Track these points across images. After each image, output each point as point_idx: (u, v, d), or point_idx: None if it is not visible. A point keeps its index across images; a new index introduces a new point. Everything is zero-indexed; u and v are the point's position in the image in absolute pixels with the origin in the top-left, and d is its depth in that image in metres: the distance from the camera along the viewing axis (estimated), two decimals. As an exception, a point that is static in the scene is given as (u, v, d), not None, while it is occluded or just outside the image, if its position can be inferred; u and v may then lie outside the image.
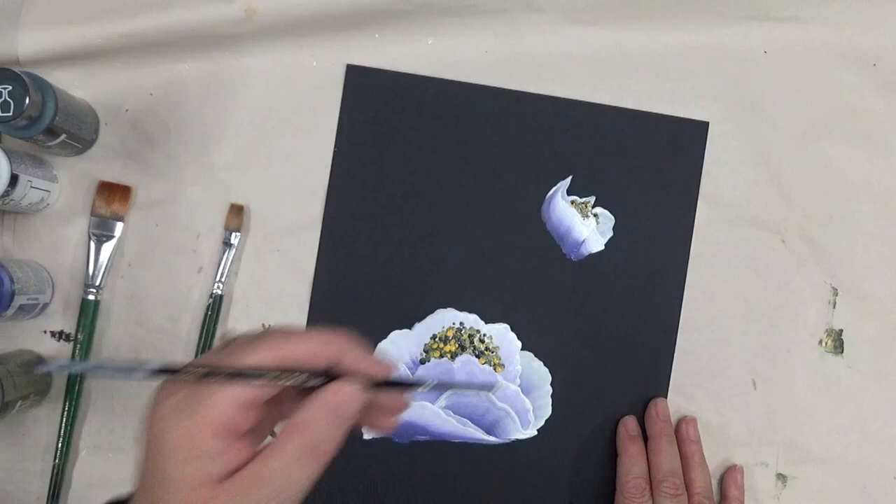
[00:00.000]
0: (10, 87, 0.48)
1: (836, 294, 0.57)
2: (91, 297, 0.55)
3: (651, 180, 0.57)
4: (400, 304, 0.56)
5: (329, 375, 0.34)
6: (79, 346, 0.55)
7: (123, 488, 0.57)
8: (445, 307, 0.56)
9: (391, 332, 0.56)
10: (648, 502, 0.52)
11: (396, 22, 0.56)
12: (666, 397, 0.56)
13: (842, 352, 0.57)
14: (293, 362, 0.33)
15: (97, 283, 0.56)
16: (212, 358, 0.33)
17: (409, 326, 0.56)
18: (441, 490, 0.56)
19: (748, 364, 0.57)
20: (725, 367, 0.57)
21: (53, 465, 0.55)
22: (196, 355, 0.56)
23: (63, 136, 0.52)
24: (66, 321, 0.56)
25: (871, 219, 0.57)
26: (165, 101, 0.57)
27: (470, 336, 0.56)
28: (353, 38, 0.56)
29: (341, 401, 0.33)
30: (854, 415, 0.56)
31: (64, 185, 0.56)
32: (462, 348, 0.56)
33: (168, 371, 0.33)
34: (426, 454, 0.56)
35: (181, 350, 0.56)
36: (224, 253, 0.56)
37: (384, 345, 0.56)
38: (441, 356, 0.56)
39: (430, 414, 0.56)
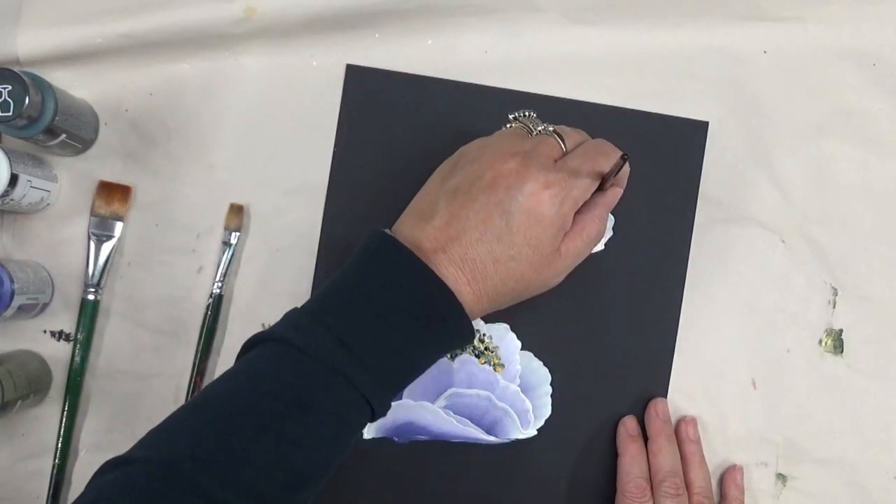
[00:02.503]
0: (10, 87, 0.48)
1: (836, 294, 0.57)
2: (91, 296, 0.55)
3: (651, 180, 0.57)
4: (400, 304, 0.56)
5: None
6: (78, 346, 0.55)
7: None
8: (445, 307, 0.56)
9: (391, 332, 0.56)
10: (649, 502, 0.52)
11: (396, 22, 0.56)
12: (666, 397, 0.56)
13: (842, 352, 0.57)
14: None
15: (97, 283, 0.56)
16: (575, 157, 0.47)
17: (409, 326, 0.56)
18: (441, 490, 0.56)
19: (748, 364, 0.57)
20: (725, 367, 0.57)
21: (53, 465, 0.55)
22: (196, 355, 0.56)
23: (63, 136, 0.52)
24: (65, 321, 0.56)
25: (871, 219, 0.57)
26: (165, 101, 0.57)
27: (470, 336, 0.56)
28: (353, 38, 0.57)
29: (615, 200, 0.49)
30: (854, 415, 0.56)
31: (64, 185, 0.56)
32: (461, 348, 0.56)
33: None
34: (426, 454, 0.56)
35: (181, 350, 0.56)
36: (224, 253, 0.56)
37: (384, 345, 0.56)
38: (441, 356, 0.56)
39: (430, 414, 0.56)
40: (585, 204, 0.47)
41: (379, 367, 0.43)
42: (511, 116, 0.51)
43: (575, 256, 0.47)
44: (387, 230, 0.47)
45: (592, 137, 0.50)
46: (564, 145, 0.47)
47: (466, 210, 0.45)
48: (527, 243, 0.45)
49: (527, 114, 0.51)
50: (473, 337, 0.46)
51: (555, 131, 0.48)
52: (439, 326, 0.44)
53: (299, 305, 0.45)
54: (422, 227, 0.46)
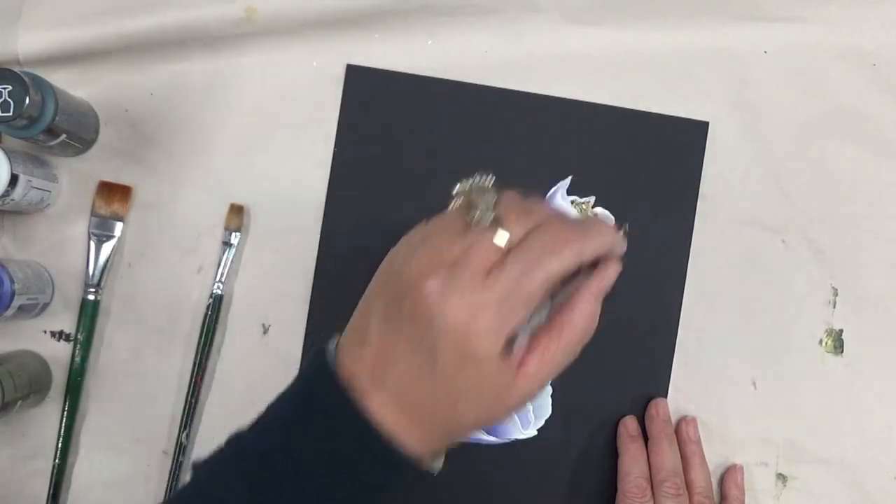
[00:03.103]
0: (10, 87, 0.48)
1: (836, 294, 0.57)
2: (91, 296, 0.55)
3: (651, 180, 0.57)
4: (400, 304, 0.56)
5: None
6: (79, 346, 0.55)
7: (124, 488, 0.58)
8: (445, 307, 0.56)
9: (391, 332, 0.56)
10: (650, 502, 0.52)
11: (396, 22, 0.56)
12: (666, 397, 0.56)
13: (842, 352, 0.57)
14: (587, 259, 0.37)
15: (97, 283, 0.56)
16: (526, 256, 0.36)
17: (409, 326, 0.56)
18: (440, 490, 0.56)
19: (748, 364, 0.56)
20: (725, 367, 0.56)
21: (53, 465, 0.55)
22: (196, 355, 0.56)
23: (63, 136, 0.52)
24: (66, 321, 0.56)
25: (871, 219, 0.57)
26: (165, 101, 0.57)
27: (470, 336, 0.56)
28: (353, 38, 0.57)
29: (608, 283, 0.39)
30: (854, 415, 0.56)
31: (64, 185, 0.56)
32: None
33: None
34: (426, 454, 0.56)
35: (181, 350, 0.56)
36: (224, 253, 0.56)
37: (384, 345, 0.56)
38: (441, 356, 0.56)
39: (430, 414, 0.56)
40: (567, 292, 0.39)
41: None
42: (455, 189, 0.39)
43: (548, 373, 0.38)
44: (332, 347, 0.40)
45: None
46: (508, 233, 0.36)
47: (394, 339, 0.37)
48: (467, 387, 0.36)
49: (475, 180, 0.38)
50: (433, 473, 0.41)
51: (497, 217, 0.37)
52: (372, 476, 0.37)
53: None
54: (357, 353, 0.38)
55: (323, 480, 0.37)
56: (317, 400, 0.38)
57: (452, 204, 0.39)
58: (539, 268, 0.36)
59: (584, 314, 0.38)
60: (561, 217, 0.38)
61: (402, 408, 0.37)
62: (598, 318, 0.38)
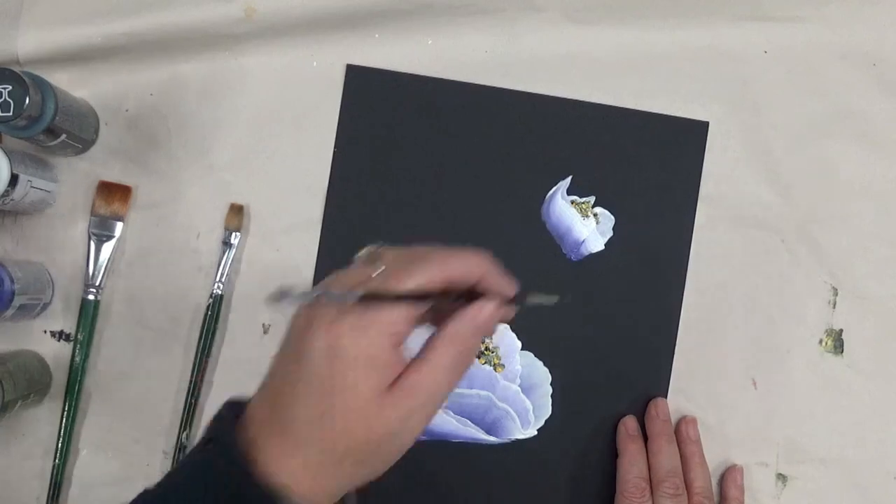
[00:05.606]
0: (10, 87, 0.48)
1: (836, 294, 0.57)
2: (91, 296, 0.55)
3: (651, 180, 0.57)
4: (400, 304, 0.56)
5: (471, 292, 0.38)
6: (79, 346, 0.55)
7: (123, 488, 0.58)
8: (445, 307, 0.56)
9: (391, 332, 0.56)
10: (648, 502, 0.52)
11: (396, 22, 0.56)
12: (666, 397, 0.56)
13: (842, 352, 0.57)
14: (447, 283, 0.37)
15: (97, 283, 0.56)
16: (373, 279, 0.37)
17: (409, 326, 0.56)
18: (440, 490, 0.56)
19: (748, 364, 0.57)
20: (725, 367, 0.57)
21: (53, 465, 0.55)
22: (196, 355, 0.56)
23: (63, 136, 0.52)
24: (66, 321, 0.56)
25: (871, 219, 0.57)
26: (165, 101, 0.57)
27: (470, 336, 0.56)
28: (353, 38, 0.57)
29: (485, 317, 0.37)
30: (854, 415, 0.56)
31: (64, 185, 0.56)
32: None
33: (340, 296, 0.36)
34: (426, 454, 0.56)
35: (181, 350, 0.56)
36: (224, 253, 0.56)
37: (384, 345, 0.56)
38: (441, 356, 0.56)
39: (430, 414, 0.56)
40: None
41: None
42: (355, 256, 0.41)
43: (428, 391, 0.36)
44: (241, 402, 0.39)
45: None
46: (383, 266, 0.37)
47: (284, 377, 0.37)
48: (336, 390, 0.35)
49: (372, 248, 0.40)
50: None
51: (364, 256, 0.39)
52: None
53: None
54: (257, 398, 0.38)
55: None
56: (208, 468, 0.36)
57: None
58: (394, 279, 0.36)
59: (451, 341, 0.37)
60: (430, 249, 0.38)
61: (280, 435, 0.36)
62: (470, 349, 0.38)
